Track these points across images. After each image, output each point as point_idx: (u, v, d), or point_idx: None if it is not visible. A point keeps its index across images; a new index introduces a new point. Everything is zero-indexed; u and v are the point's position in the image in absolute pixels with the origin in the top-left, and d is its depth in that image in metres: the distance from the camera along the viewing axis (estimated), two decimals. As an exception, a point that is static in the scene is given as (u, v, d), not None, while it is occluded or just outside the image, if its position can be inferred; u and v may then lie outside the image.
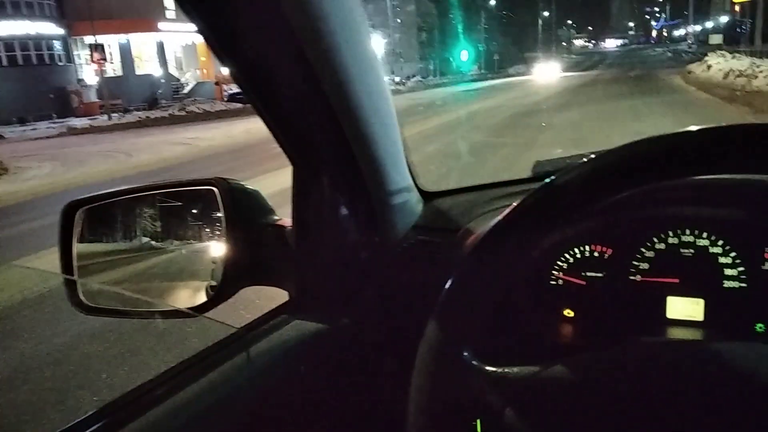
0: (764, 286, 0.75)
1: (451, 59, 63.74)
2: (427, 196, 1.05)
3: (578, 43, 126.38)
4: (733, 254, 0.77)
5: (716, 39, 21.53)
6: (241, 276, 0.87)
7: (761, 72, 13.33)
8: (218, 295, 0.86)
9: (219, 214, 0.86)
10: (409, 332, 0.64)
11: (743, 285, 0.76)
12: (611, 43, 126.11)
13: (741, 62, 16.39)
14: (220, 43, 0.69)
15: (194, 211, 0.93)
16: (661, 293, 0.79)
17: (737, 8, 22.79)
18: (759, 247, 0.75)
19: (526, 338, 0.78)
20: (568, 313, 0.82)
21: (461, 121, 13.50)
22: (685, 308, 0.78)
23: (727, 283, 0.77)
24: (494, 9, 71.43)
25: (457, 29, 60.95)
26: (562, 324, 0.82)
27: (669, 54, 58.21)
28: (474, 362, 0.56)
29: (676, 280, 0.78)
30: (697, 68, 20.17)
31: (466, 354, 0.56)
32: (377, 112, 0.80)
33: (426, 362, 0.57)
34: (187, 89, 38.23)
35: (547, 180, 0.56)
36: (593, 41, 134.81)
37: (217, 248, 0.88)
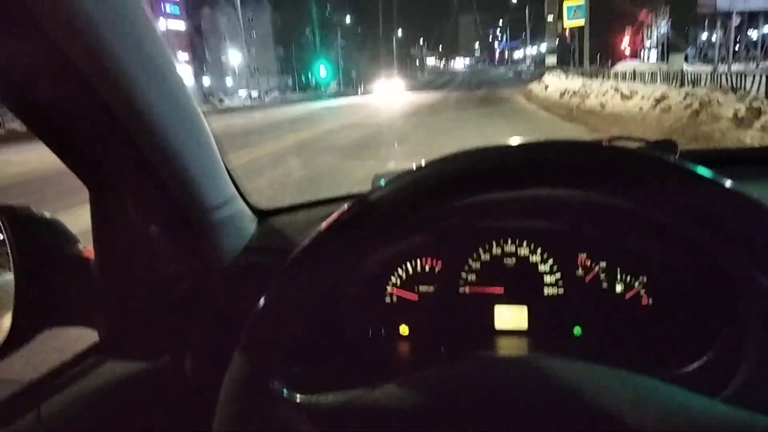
0: (578, 291, 0.80)
1: (310, 74, 63.44)
2: (261, 214, 0.98)
3: (431, 62, 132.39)
4: (550, 262, 0.80)
5: (551, 60, 23.01)
6: (36, 318, 0.75)
7: (592, 92, 14.13)
8: (7, 343, 0.72)
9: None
10: None
11: (561, 291, 0.81)
12: (460, 63, 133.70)
13: (574, 82, 17.44)
14: None
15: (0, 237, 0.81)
16: (489, 304, 0.81)
17: (567, 32, 24.63)
18: (573, 254, 0.79)
19: (358, 360, 0.75)
20: (404, 329, 0.82)
21: (316, 140, 12.76)
22: (511, 317, 0.81)
23: (547, 290, 0.81)
24: (351, 26, 72.31)
25: (315, 45, 60.73)
26: (397, 342, 0.81)
27: (510, 74, 62.64)
28: (284, 391, 0.53)
29: (501, 290, 0.81)
30: (536, 87, 21.32)
31: (275, 382, 0.53)
32: (181, 125, 0.73)
33: (229, 393, 0.53)
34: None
35: (362, 195, 0.55)
36: (444, 60, 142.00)
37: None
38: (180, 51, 57.59)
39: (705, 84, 10.12)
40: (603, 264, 0.79)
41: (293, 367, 0.55)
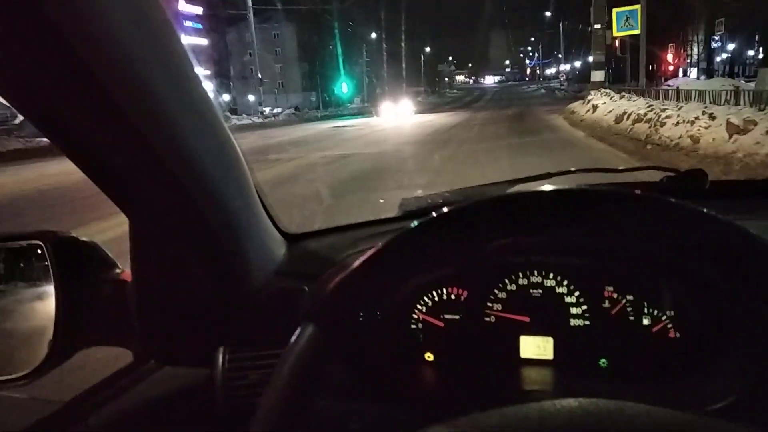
0: (605, 323, 0.78)
1: (333, 91, 60.31)
2: (290, 238, 0.98)
3: (460, 78, 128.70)
4: (576, 294, 0.79)
5: (598, 76, 18.89)
6: (75, 338, 0.79)
7: (667, 117, 10.15)
8: (47, 361, 0.76)
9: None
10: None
11: (587, 323, 0.79)
12: (490, 80, 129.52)
13: (634, 103, 13.45)
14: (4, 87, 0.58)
15: (22, 264, 0.82)
16: (515, 333, 0.81)
17: (617, 44, 20.56)
18: (599, 287, 0.78)
19: (384, 391, 0.74)
20: (429, 356, 0.82)
21: (283, 182, 9.12)
22: (536, 347, 0.80)
23: (573, 321, 0.80)
24: (376, 42, 69.03)
25: (338, 61, 57.53)
26: (422, 369, 0.81)
27: (542, 90, 58.92)
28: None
29: (527, 319, 0.81)
30: (580, 108, 17.30)
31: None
32: (214, 151, 0.74)
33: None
34: (18, 119, 31.17)
35: (411, 226, 0.58)
36: (473, 77, 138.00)
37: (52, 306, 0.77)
38: (201, 67, 55.34)
39: None
40: (630, 297, 0.77)
41: (335, 406, 0.59)
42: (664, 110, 10.71)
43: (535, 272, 0.80)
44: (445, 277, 0.81)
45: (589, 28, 21.63)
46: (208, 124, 0.72)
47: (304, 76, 66.89)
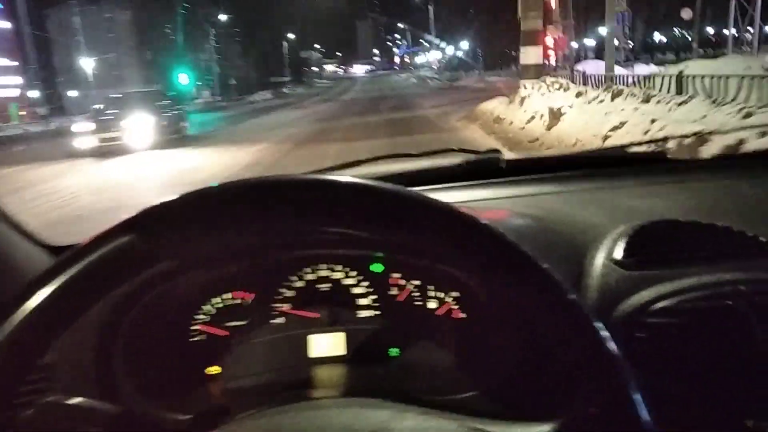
0: (394, 311, 0.75)
1: (174, 84, 49.32)
2: (57, 251, 0.84)
3: (329, 68, 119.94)
4: (365, 284, 0.76)
5: (532, 55, 10.68)
6: None
7: None
8: None
9: None
10: None
11: (377, 312, 0.76)
12: (359, 69, 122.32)
13: (671, 107, 5.79)
14: None
15: None
16: (306, 332, 0.76)
17: (554, 3, 12.98)
18: (385, 274, 0.76)
19: (158, 406, 0.67)
20: (214, 370, 0.74)
21: None
22: (328, 344, 0.76)
23: (363, 313, 0.76)
24: (228, 26, 58.01)
25: (177, 48, 46.27)
26: (207, 384, 0.73)
27: (413, 80, 52.22)
28: None
29: (317, 315, 0.76)
30: (510, 112, 9.48)
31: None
32: None
33: None
34: None
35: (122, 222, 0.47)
36: (343, 67, 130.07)
37: None
38: (4, 57, 41.67)
39: None
40: (416, 282, 0.75)
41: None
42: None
43: (321, 265, 0.75)
44: (228, 279, 0.73)
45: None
46: None
47: (147, 66, 54.91)
